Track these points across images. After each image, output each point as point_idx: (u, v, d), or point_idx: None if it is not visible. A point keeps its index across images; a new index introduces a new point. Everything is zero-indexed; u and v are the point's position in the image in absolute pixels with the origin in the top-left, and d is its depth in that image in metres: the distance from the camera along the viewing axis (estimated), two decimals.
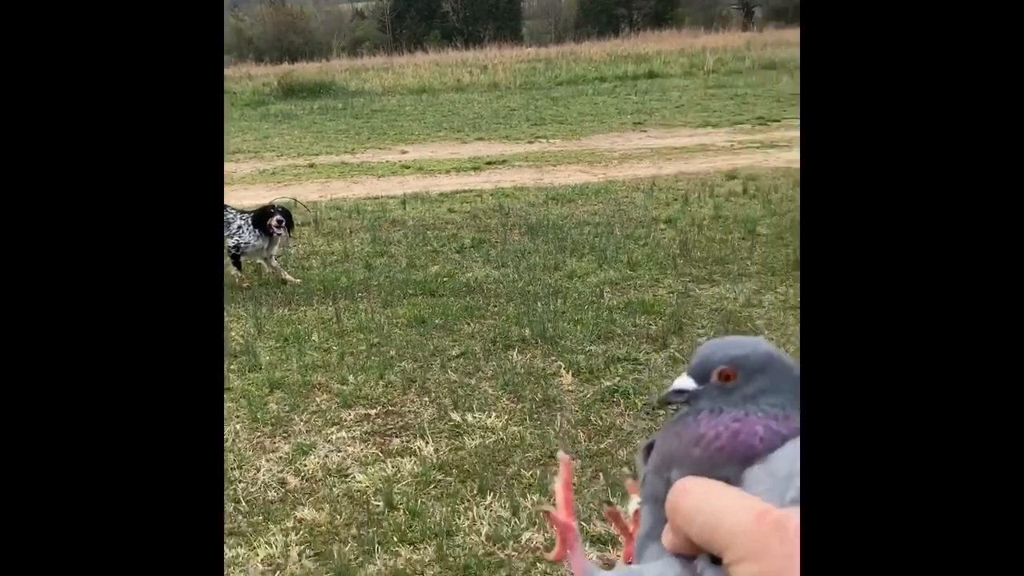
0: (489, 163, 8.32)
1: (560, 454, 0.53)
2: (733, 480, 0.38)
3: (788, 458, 0.38)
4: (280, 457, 2.83)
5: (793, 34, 23.49)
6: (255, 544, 2.34)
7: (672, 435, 0.42)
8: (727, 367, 0.41)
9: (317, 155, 9.08)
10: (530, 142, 9.60)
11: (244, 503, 2.56)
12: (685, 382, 0.43)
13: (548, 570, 2.19)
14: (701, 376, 0.42)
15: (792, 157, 7.63)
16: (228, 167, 7.89)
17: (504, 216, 5.97)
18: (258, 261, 4.86)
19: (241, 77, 17.82)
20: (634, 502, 0.52)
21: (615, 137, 9.66)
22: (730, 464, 0.39)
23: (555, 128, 10.51)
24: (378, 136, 10.54)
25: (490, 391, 3.25)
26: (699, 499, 0.37)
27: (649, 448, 0.44)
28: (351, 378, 3.41)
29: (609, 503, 0.49)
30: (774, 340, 3.56)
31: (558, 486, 0.52)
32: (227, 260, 4.74)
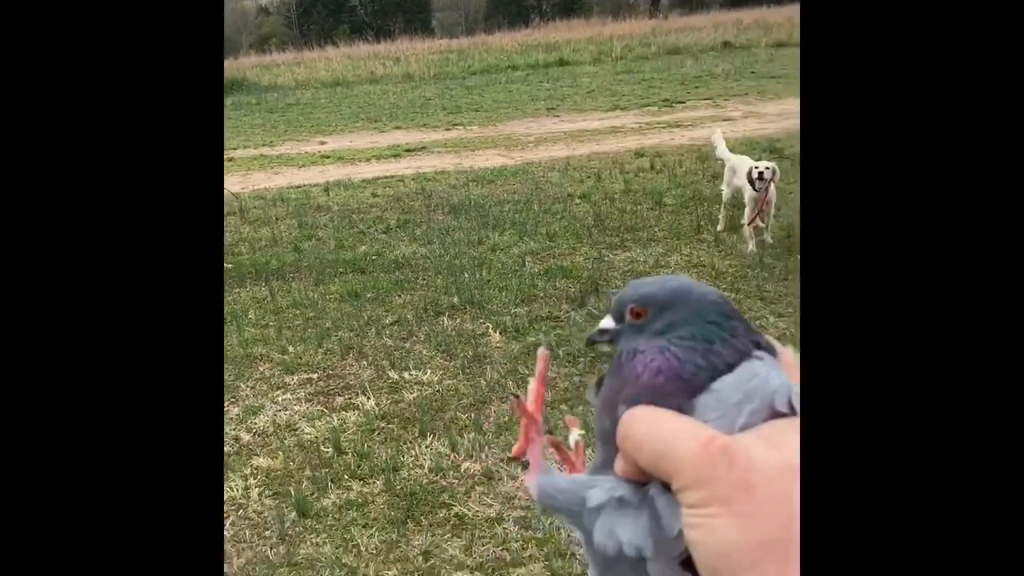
0: (408, 150, 8.53)
1: (540, 349, 0.54)
2: (683, 410, 0.39)
3: (737, 385, 0.39)
4: (231, 418, 3.02)
5: (696, 19, 24.38)
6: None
7: (612, 375, 0.44)
8: (636, 304, 0.44)
9: (235, 149, 9.08)
10: (447, 129, 9.84)
11: None
12: (606, 322, 0.46)
13: (486, 492, 2.47)
14: (618, 315, 0.45)
15: (695, 135, 8.11)
16: None
17: (427, 198, 6.21)
18: None
19: None
20: (575, 434, 0.55)
21: (530, 122, 10.00)
22: (671, 397, 0.40)
23: (471, 115, 10.78)
24: (295, 129, 10.58)
25: (424, 352, 3.50)
26: (648, 427, 0.38)
27: (599, 384, 0.45)
28: (291, 348, 3.61)
29: (550, 432, 0.46)
30: None
31: (533, 380, 0.54)
32: None
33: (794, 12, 18.96)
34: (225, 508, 2.45)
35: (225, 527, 2.36)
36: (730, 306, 0.43)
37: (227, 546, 2.28)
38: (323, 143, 9.44)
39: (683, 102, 10.67)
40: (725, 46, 16.76)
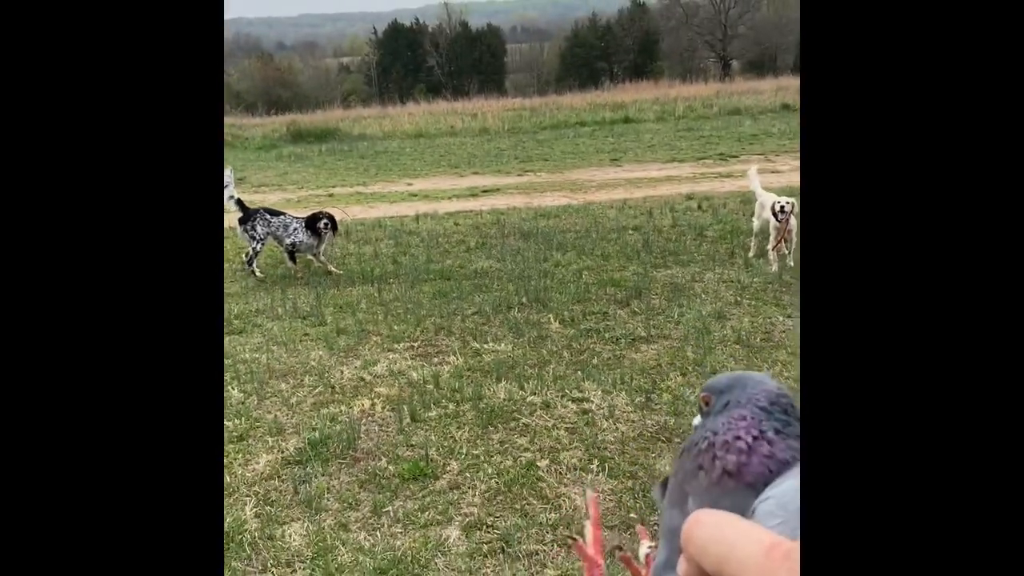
0: (485, 191, 9.65)
1: (588, 492, 0.59)
2: (745, 508, 0.40)
3: (797, 490, 0.39)
4: (356, 366, 4.04)
5: (759, 83, 25.29)
6: (351, 406, 3.54)
7: (679, 467, 0.47)
8: (703, 394, 0.50)
9: (333, 187, 10.39)
10: (519, 175, 10.97)
11: (338, 389, 3.76)
12: (696, 420, 0.51)
13: (545, 414, 3.39)
14: (699, 409, 0.51)
15: (744, 183, 8.98)
16: (256, 197, 9.11)
17: (501, 227, 7.26)
18: (308, 257, 6.08)
19: (248, 125, 19.27)
20: (645, 546, 0.57)
21: (594, 171, 11.05)
22: (738, 489, 0.42)
23: (541, 164, 11.92)
24: (384, 172, 11.89)
25: (498, 332, 4.47)
26: (712, 530, 0.37)
27: (665, 483, 0.48)
28: (395, 327, 4.63)
29: (620, 548, 0.54)
30: (708, 299, 4.84)
31: (588, 524, 0.58)
32: (285, 256, 5.98)
33: None
34: (357, 418, 3.44)
35: (358, 429, 3.33)
36: (788, 400, 0.45)
37: (361, 435, 3.25)
38: (410, 184, 10.69)
39: (737, 156, 11.57)
40: (784, 108, 17.64)
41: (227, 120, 20.33)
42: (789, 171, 9.90)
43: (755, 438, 0.44)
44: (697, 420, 0.50)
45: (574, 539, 0.57)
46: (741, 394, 0.47)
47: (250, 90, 47.14)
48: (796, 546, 0.35)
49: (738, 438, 0.44)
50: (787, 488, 0.41)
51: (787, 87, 21.85)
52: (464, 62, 47.44)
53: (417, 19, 49.11)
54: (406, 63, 48.07)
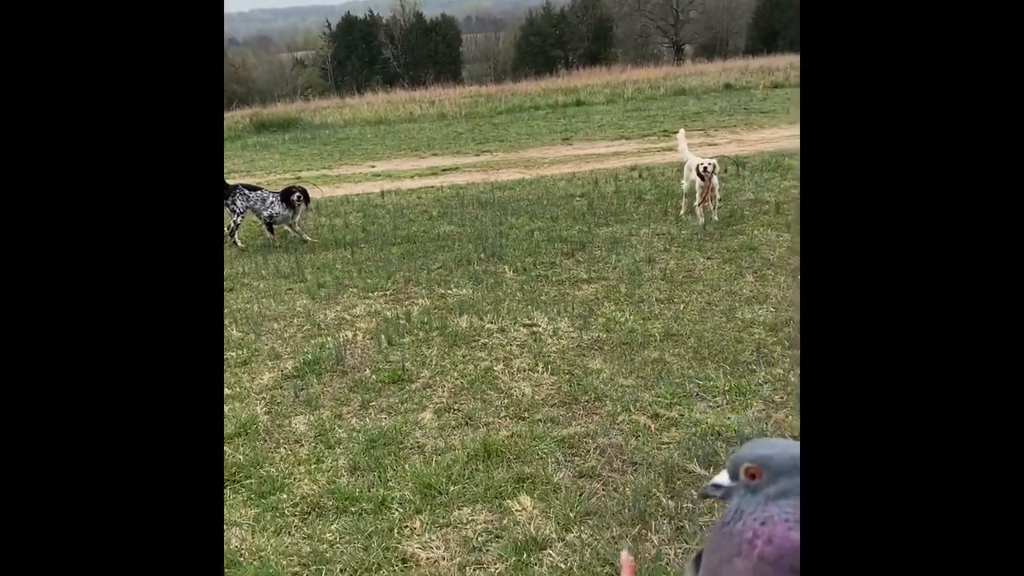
0: (444, 170, 10.30)
1: (623, 555, 0.56)
2: None
3: None
4: (337, 310, 4.69)
5: (706, 66, 26.19)
6: (337, 337, 4.19)
7: (714, 547, 0.44)
8: (752, 465, 0.44)
9: (300, 171, 10.94)
10: (477, 155, 11.63)
11: (322, 325, 4.41)
12: (722, 478, 0.46)
13: (501, 338, 4.08)
14: (733, 472, 0.45)
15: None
16: (229, 182, 9.61)
17: (460, 199, 7.92)
18: (285, 228, 6.68)
19: None
20: None
21: (546, 149, 11.75)
22: (780, 572, 0.39)
23: (497, 144, 12.59)
24: (348, 156, 12.47)
25: (460, 281, 5.14)
26: None
27: (698, 559, 0.45)
28: (369, 280, 5.28)
29: None
30: (641, 249, 5.56)
31: None
32: (264, 227, 6.58)
33: (793, 59, 20.75)
34: (342, 344, 4.09)
35: (344, 352, 3.98)
36: None
37: (347, 357, 3.91)
38: (373, 166, 11.28)
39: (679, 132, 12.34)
40: (726, 87, 18.53)
41: None
42: (725, 143, 10.70)
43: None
44: (724, 479, 0.45)
45: None
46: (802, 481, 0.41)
47: None
48: None
49: (791, 530, 0.40)
50: None
51: (731, 68, 22.77)
52: (420, 53, 47.62)
53: (371, 11, 49.15)
54: (361, 56, 48.05)
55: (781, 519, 0.41)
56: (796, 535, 0.40)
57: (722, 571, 0.41)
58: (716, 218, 6.24)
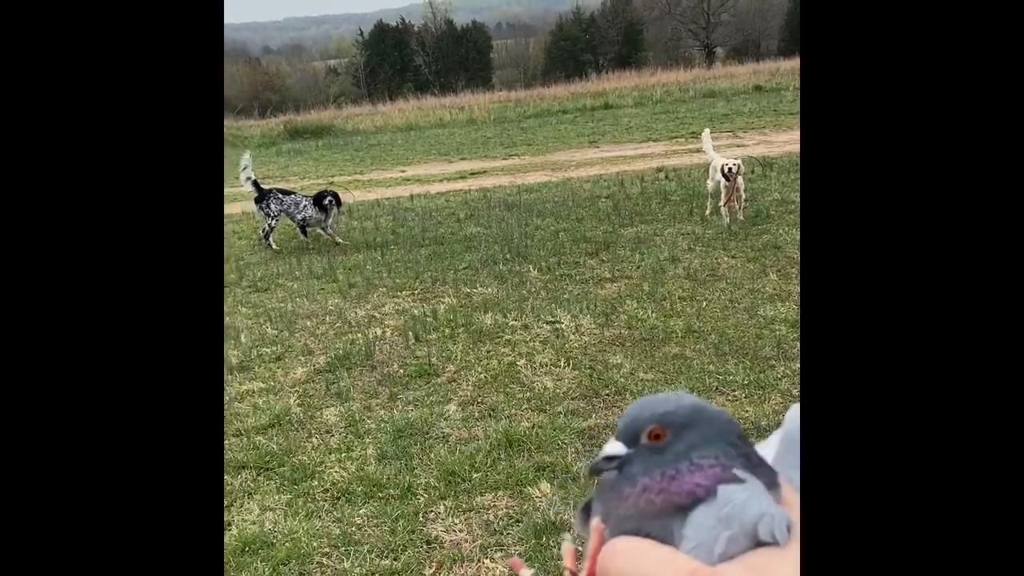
0: (472, 174, 10.44)
1: (565, 545, 0.50)
2: (667, 535, 0.37)
3: (710, 510, 0.37)
4: (367, 308, 4.83)
5: (735, 69, 26.07)
6: (367, 333, 4.32)
7: (604, 501, 0.41)
8: (656, 426, 0.40)
9: (333, 176, 11.16)
10: (504, 159, 11.77)
11: (353, 323, 4.55)
12: (615, 447, 0.41)
13: (524, 335, 4.17)
14: (631, 439, 0.41)
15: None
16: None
17: (487, 201, 8.04)
18: (318, 230, 6.86)
19: (246, 126, 20.05)
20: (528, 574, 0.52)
21: (573, 152, 11.84)
22: (662, 516, 0.38)
23: (524, 148, 12.71)
24: (379, 161, 12.69)
25: (486, 280, 5.26)
26: (628, 561, 0.36)
27: (587, 508, 0.43)
28: (398, 280, 5.41)
29: None
30: (665, 248, 5.63)
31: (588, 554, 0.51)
32: (297, 230, 6.77)
33: None
34: (371, 341, 4.22)
35: (373, 348, 4.11)
36: (741, 430, 0.41)
37: (376, 352, 4.04)
38: (403, 171, 11.48)
39: None
40: (756, 89, 18.45)
41: (225, 123, 21.03)
42: (753, 144, 10.69)
43: (722, 472, 0.38)
44: (618, 448, 0.40)
45: None
46: (708, 431, 0.40)
47: (240, 95, 47.48)
48: (715, 572, 0.34)
49: (694, 475, 0.38)
50: (702, 508, 0.37)
51: (761, 70, 22.64)
52: (451, 60, 47.96)
53: (402, 19, 49.68)
54: (393, 63, 48.51)
55: (689, 470, 0.39)
56: (700, 478, 0.38)
57: (611, 515, 0.39)
58: (742, 218, 6.27)
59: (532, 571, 0.52)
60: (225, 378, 3.86)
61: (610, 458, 0.41)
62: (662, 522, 0.38)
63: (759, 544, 0.36)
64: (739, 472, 0.39)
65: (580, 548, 0.46)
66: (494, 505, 2.62)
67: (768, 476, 0.39)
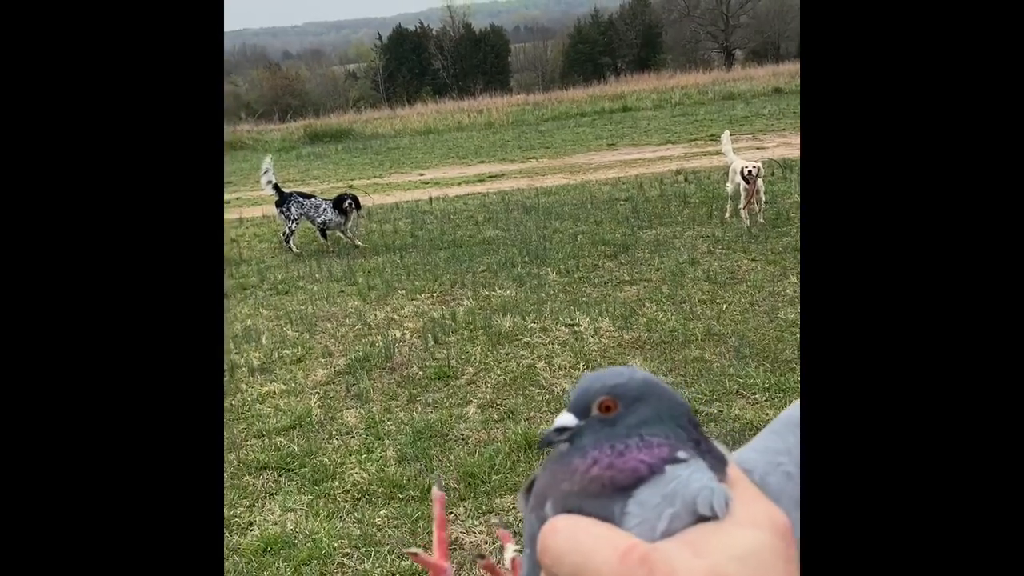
0: (491, 177, 10.46)
1: (434, 491, 0.51)
2: (611, 513, 0.37)
3: (654, 488, 0.37)
4: (387, 311, 4.85)
5: (755, 71, 25.94)
6: (386, 335, 4.35)
7: (549, 472, 0.40)
8: (607, 397, 0.40)
9: (353, 180, 11.22)
10: (522, 162, 11.78)
11: (373, 325, 4.57)
12: (566, 419, 0.41)
13: (543, 337, 4.18)
14: (582, 410, 0.41)
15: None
16: None
17: (505, 204, 8.06)
18: (338, 233, 6.90)
19: (266, 131, 20.23)
20: (510, 550, 0.52)
21: (592, 155, 11.83)
22: (604, 495, 0.37)
23: (542, 151, 12.72)
24: (397, 165, 12.74)
25: (504, 283, 5.27)
26: (567, 538, 0.36)
27: (530, 488, 0.42)
28: (417, 283, 5.43)
29: (482, 556, 0.46)
30: (685, 251, 5.61)
31: (434, 526, 0.52)
32: (317, 233, 6.82)
33: None
34: (391, 343, 4.24)
35: (393, 350, 4.13)
36: (692, 414, 0.40)
37: (396, 354, 4.06)
38: (422, 174, 11.52)
39: None
40: (775, 91, 18.33)
41: (245, 128, 21.28)
42: (773, 147, 10.63)
43: (670, 450, 0.38)
44: (569, 420, 0.40)
45: (411, 553, 0.51)
46: (660, 407, 0.40)
47: (260, 100, 47.78)
48: (654, 548, 0.34)
49: (641, 452, 0.38)
50: (646, 486, 0.37)
51: (781, 72, 22.51)
52: (469, 63, 48.07)
53: (421, 23, 49.89)
54: (412, 67, 48.69)
55: (638, 446, 0.38)
56: (645, 455, 0.38)
57: (552, 493, 0.39)
58: (762, 220, 6.24)
59: (516, 547, 0.51)
60: (224, 382, 3.90)
61: (560, 430, 0.40)
62: (602, 502, 0.37)
63: (700, 520, 0.35)
64: (682, 453, 0.38)
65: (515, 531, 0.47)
66: (514, 507, 2.62)
67: (715, 460, 0.39)
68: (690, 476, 0.37)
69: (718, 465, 0.39)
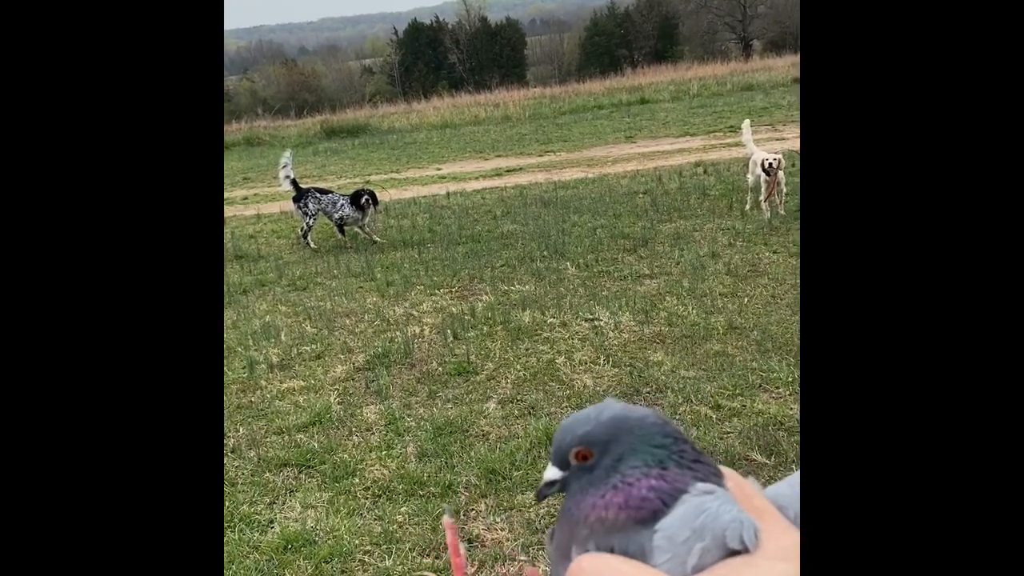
0: (508, 171, 10.42)
1: (444, 519, 0.52)
2: (635, 548, 0.37)
3: (684, 522, 0.37)
4: (405, 306, 4.84)
5: (773, 61, 25.67)
6: (405, 331, 4.33)
7: (563, 520, 0.42)
8: (579, 448, 0.41)
9: (369, 175, 11.22)
10: (540, 155, 11.72)
11: (391, 321, 4.56)
12: (552, 473, 0.43)
13: (562, 332, 4.15)
14: (562, 463, 0.42)
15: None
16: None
17: (523, 198, 8.02)
18: (355, 229, 6.90)
19: (283, 126, 20.31)
20: None
21: (610, 148, 11.75)
22: (624, 530, 0.38)
23: (560, 145, 12.65)
24: (415, 160, 12.73)
25: (523, 277, 5.24)
26: None
27: (553, 534, 0.43)
28: (435, 278, 5.42)
29: None
30: (705, 244, 5.55)
31: (449, 552, 0.53)
32: (335, 229, 6.83)
33: None
34: (410, 339, 4.23)
35: (412, 346, 4.11)
36: (672, 426, 0.41)
37: (415, 350, 4.04)
38: (439, 168, 11.50)
39: None
40: (795, 82, 18.12)
41: (262, 124, 21.40)
42: (793, 137, 10.51)
43: (657, 476, 0.39)
44: (554, 473, 0.42)
45: None
46: (631, 440, 0.41)
47: (276, 96, 48.02)
48: None
49: (637, 485, 0.39)
50: (674, 518, 0.37)
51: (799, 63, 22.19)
52: (485, 57, 47.97)
53: (437, 17, 49.85)
54: (427, 61, 48.68)
55: (624, 483, 0.39)
56: (637, 489, 0.39)
57: (570, 546, 0.40)
58: (783, 212, 6.17)
59: None
60: (224, 383, 3.90)
61: (550, 483, 0.43)
62: (625, 535, 0.38)
63: (731, 553, 0.36)
64: (702, 485, 0.39)
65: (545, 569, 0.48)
66: (535, 505, 2.60)
67: (707, 469, 0.40)
68: (719, 508, 0.37)
69: (710, 474, 0.40)
